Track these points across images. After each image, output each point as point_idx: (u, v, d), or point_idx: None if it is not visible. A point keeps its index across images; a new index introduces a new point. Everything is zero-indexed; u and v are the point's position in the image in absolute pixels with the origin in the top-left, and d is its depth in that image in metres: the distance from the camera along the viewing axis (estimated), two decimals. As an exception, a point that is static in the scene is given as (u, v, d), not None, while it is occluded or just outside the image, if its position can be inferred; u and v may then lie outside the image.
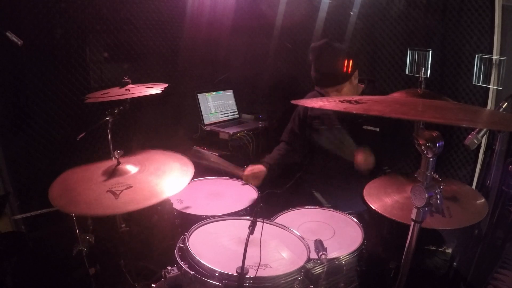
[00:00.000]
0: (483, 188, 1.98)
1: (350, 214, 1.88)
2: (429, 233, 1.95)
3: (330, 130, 2.28)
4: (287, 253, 1.50)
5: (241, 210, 1.86)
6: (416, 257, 1.27)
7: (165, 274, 1.43)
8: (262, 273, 1.34)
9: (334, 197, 2.20)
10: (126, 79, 1.99)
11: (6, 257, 2.09)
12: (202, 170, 2.15)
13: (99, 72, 2.73)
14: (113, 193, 1.50)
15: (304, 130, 2.40)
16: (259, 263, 1.33)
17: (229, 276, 1.30)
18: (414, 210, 1.20)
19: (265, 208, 1.38)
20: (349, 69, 2.12)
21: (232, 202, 1.96)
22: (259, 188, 2.16)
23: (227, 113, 3.47)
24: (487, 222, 1.87)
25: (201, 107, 3.24)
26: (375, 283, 1.82)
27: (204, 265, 1.35)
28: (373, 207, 1.57)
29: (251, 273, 1.31)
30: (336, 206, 2.00)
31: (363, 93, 2.22)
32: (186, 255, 1.45)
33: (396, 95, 2.01)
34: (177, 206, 1.89)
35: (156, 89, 1.93)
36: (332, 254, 1.47)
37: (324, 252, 1.41)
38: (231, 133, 3.02)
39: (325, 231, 1.73)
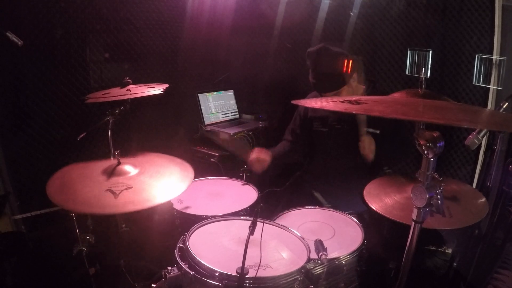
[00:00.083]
0: (484, 188, 1.98)
1: (350, 214, 1.88)
2: (429, 233, 1.95)
3: (330, 131, 2.28)
4: (287, 253, 1.50)
5: (241, 210, 1.86)
6: (416, 257, 1.27)
7: (165, 274, 1.43)
8: (262, 273, 1.34)
9: (334, 197, 2.20)
10: (127, 79, 1.99)
11: (6, 257, 2.09)
12: (202, 170, 2.15)
13: (99, 72, 2.73)
14: (113, 192, 1.50)
15: (304, 130, 2.40)
16: (259, 263, 1.33)
17: (229, 276, 1.30)
18: (415, 211, 1.20)
19: (265, 208, 1.38)
20: (347, 73, 2.12)
21: (232, 202, 1.96)
22: (259, 187, 2.16)
23: (228, 113, 3.47)
24: (487, 222, 1.87)
25: (202, 107, 3.24)
26: (375, 283, 1.82)
27: (204, 265, 1.35)
28: (373, 208, 1.57)
29: (251, 273, 1.30)
30: (336, 206, 2.00)
31: (363, 94, 2.22)
32: (186, 255, 1.45)
33: (396, 95, 2.01)
34: (177, 206, 1.89)
35: (157, 90, 1.93)
36: (332, 254, 1.47)
37: (324, 252, 1.41)
38: (232, 133, 3.02)
39: (325, 231, 1.73)
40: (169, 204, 1.85)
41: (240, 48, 3.50)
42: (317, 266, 1.38)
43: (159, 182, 1.60)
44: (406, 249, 1.26)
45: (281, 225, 1.70)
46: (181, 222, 1.84)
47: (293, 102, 1.34)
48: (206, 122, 3.24)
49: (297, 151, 2.46)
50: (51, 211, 2.38)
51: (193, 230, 1.61)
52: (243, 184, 2.19)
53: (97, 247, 1.90)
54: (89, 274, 1.91)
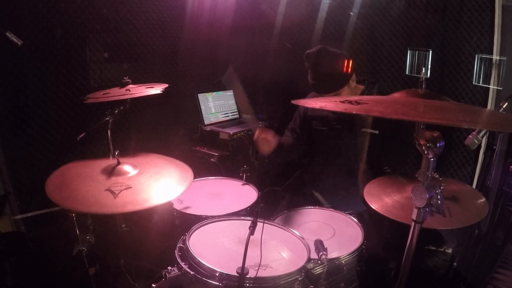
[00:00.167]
0: (484, 188, 1.98)
1: (350, 214, 1.88)
2: (429, 233, 1.95)
3: (329, 130, 2.28)
4: (287, 253, 1.50)
5: (241, 210, 1.86)
6: (416, 257, 1.27)
7: (165, 274, 1.43)
8: (262, 273, 1.34)
9: (334, 197, 2.20)
10: (127, 79, 1.99)
11: (6, 257, 2.09)
12: (202, 170, 2.15)
13: (99, 72, 2.73)
14: (112, 192, 1.50)
15: (304, 129, 2.41)
16: (260, 263, 1.33)
17: (229, 276, 1.30)
18: (415, 211, 1.20)
19: (265, 208, 1.38)
20: (346, 74, 2.12)
21: (232, 202, 1.96)
22: (259, 187, 2.16)
23: (227, 113, 3.47)
24: (487, 222, 1.87)
25: (201, 107, 3.24)
26: (375, 283, 1.82)
27: (204, 265, 1.35)
28: (373, 207, 1.57)
29: (251, 273, 1.30)
30: (336, 206, 2.00)
31: (362, 94, 2.22)
32: (186, 255, 1.45)
33: (396, 95, 2.02)
34: (177, 206, 1.89)
35: (156, 89, 1.93)
36: (332, 254, 1.47)
37: (324, 252, 1.41)
38: (231, 133, 3.02)
39: (325, 231, 1.73)
40: (169, 204, 1.85)
41: (240, 48, 3.50)
42: (317, 266, 1.38)
43: (158, 183, 1.61)
44: (406, 249, 1.26)
45: (281, 225, 1.70)
46: (181, 222, 1.84)
47: (293, 102, 1.34)
48: (206, 122, 3.24)
49: (297, 150, 2.46)
50: (51, 211, 2.38)
51: (193, 230, 1.61)
52: (243, 184, 2.20)
53: (97, 247, 1.90)
54: (89, 274, 1.91)
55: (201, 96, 3.25)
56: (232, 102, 3.54)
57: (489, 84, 2.59)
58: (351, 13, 3.01)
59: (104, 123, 1.90)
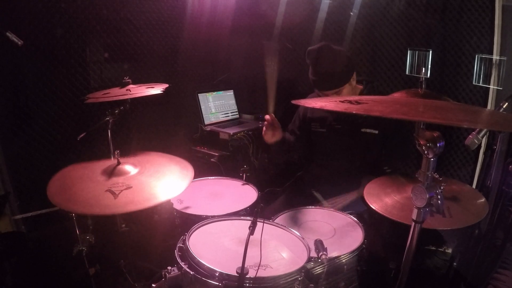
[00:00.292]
0: (483, 188, 1.98)
1: (350, 214, 1.88)
2: (429, 233, 1.95)
3: (328, 132, 2.28)
4: (287, 253, 1.50)
5: (241, 210, 1.86)
6: (416, 257, 1.27)
7: (165, 274, 1.43)
8: (262, 273, 1.34)
9: (334, 197, 2.19)
10: (127, 79, 1.99)
11: (6, 257, 2.09)
12: (202, 170, 2.15)
13: (99, 72, 2.73)
14: (112, 193, 1.50)
15: (303, 131, 2.40)
16: (259, 263, 1.33)
17: (229, 276, 1.30)
18: (415, 211, 1.20)
19: (265, 208, 1.38)
20: (349, 71, 2.12)
21: (232, 202, 1.96)
22: (259, 187, 2.16)
23: (228, 113, 3.47)
24: (487, 222, 1.87)
25: (202, 107, 3.24)
26: (375, 283, 1.82)
27: (204, 265, 1.35)
28: (373, 207, 1.57)
29: (251, 273, 1.30)
30: (336, 206, 2.00)
31: (361, 94, 2.22)
32: (186, 255, 1.45)
33: (396, 95, 2.02)
34: (177, 206, 1.89)
35: (157, 89, 1.93)
36: (332, 254, 1.47)
37: (324, 252, 1.41)
38: (232, 133, 3.02)
39: (325, 231, 1.73)
40: (169, 204, 1.85)
41: (240, 48, 3.50)
42: (317, 266, 1.38)
43: (158, 181, 1.61)
44: (406, 249, 1.26)
45: (281, 225, 1.70)
46: (181, 222, 1.84)
47: (293, 102, 1.34)
48: (206, 122, 3.24)
49: (296, 151, 2.46)
50: (51, 211, 2.38)
51: (193, 230, 1.61)
52: (243, 184, 2.19)
53: (97, 247, 1.90)
54: (89, 274, 1.91)
55: (201, 96, 3.25)
56: (232, 102, 3.54)
57: (489, 84, 2.59)
58: (351, 13, 3.01)
59: (104, 123, 1.90)
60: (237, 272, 1.27)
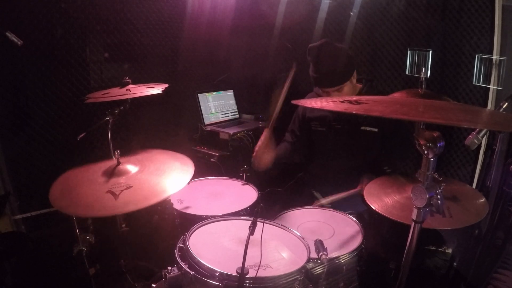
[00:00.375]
0: (483, 188, 1.98)
1: (350, 214, 1.88)
2: (429, 233, 1.95)
3: (328, 131, 2.28)
4: (287, 253, 1.50)
5: (241, 210, 1.86)
6: (416, 257, 1.27)
7: (165, 274, 1.43)
8: (262, 273, 1.34)
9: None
10: (127, 79, 1.99)
11: (6, 257, 2.09)
12: (202, 170, 2.15)
13: (99, 72, 2.73)
14: (113, 193, 1.50)
15: (304, 131, 2.40)
16: (259, 263, 1.33)
17: (229, 276, 1.30)
18: (415, 211, 1.20)
19: (265, 208, 1.38)
20: (350, 69, 2.11)
21: (232, 202, 1.96)
22: (259, 187, 2.16)
23: (227, 113, 3.47)
24: (487, 222, 1.87)
25: (202, 107, 3.24)
26: (375, 283, 1.82)
27: (204, 265, 1.35)
28: (373, 207, 1.57)
29: (251, 273, 1.30)
30: (336, 206, 2.00)
31: (360, 92, 2.22)
32: (186, 255, 1.45)
33: (396, 95, 2.02)
34: (177, 206, 1.89)
35: (156, 89, 1.93)
36: (332, 254, 1.47)
37: (324, 252, 1.41)
38: (231, 133, 3.02)
39: (325, 231, 1.73)
40: (169, 204, 1.85)
41: (240, 48, 3.50)
42: (317, 266, 1.38)
43: (158, 179, 1.60)
44: (406, 249, 1.26)
45: (281, 225, 1.70)
46: (181, 222, 1.84)
47: (293, 102, 1.34)
48: (206, 122, 3.24)
49: (297, 152, 2.46)
50: (51, 211, 2.38)
51: (193, 230, 1.61)
52: (243, 184, 2.19)
53: (97, 247, 1.90)
54: (89, 274, 1.91)
55: (201, 96, 3.25)
56: (232, 102, 3.54)
57: (489, 84, 2.59)
58: (351, 13, 3.01)
59: (104, 123, 1.90)
60: (237, 272, 1.27)
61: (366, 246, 1.61)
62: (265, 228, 1.39)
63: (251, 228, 1.27)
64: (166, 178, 1.62)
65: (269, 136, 2.20)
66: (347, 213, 1.89)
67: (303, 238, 1.58)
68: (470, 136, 1.65)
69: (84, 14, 2.55)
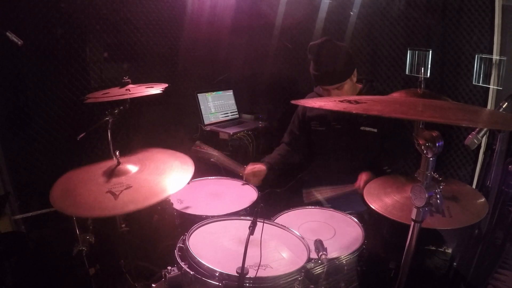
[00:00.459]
0: (483, 188, 1.98)
1: (350, 214, 1.88)
2: (429, 233, 1.95)
3: (328, 131, 2.28)
4: (287, 253, 1.50)
5: (241, 210, 1.86)
6: (416, 257, 1.27)
7: (165, 274, 1.43)
8: (262, 273, 1.34)
9: (334, 197, 2.19)
10: (126, 79, 1.99)
11: (6, 257, 2.09)
12: (202, 170, 2.15)
13: (99, 72, 2.73)
14: (113, 193, 1.50)
15: (303, 131, 2.40)
16: (259, 263, 1.33)
17: (229, 276, 1.30)
18: (414, 210, 1.20)
19: (265, 208, 1.38)
20: (350, 67, 2.12)
21: (232, 202, 1.96)
22: (259, 187, 2.16)
23: (227, 113, 3.47)
24: (487, 222, 1.87)
25: (201, 107, 3.24)
26: (375, 283, 1.82)
27: (204, 265, 1.35)
28: (373, 207, 1.57)
29: (251, 273, 1.30)
30: (336, 206, 2.00)
31: (360, 93, 2.22)
32: (186, 255, 1.45)
33: (395, 95, 2.01)
34: (177, 206, 1.89)
35: (156, 89, 1.93)
36: (332, 254, 1.47)
37: (324, 252, 1.41)
38: (231, 133, 3.03)
39: (325, 231, 1.73)
40: (169, 204, 1.85)
41: (240, 48, 3.50)
42: (317, 266, 1.38)
43: (158, 179, 1.60)
44: (405, 249, 1.26)
45: (281, 225, 1.70)
46: (181, 222, 1.84)
47: (293, 102, 1.34)
48: (206, 122, 3.24)
49: (296, 152, 2.45)
50: (51, 211, 2.38)
51: (193, 230, 1.61)
52: (243, 184, 2.20)
53: (97, 247, 1.90)
54: (89, 274, 1.91)
55: (201, 96, 3.25)
56: (232, 102, 3.54)
57: (489, 84, 2.59)
58: (351, 13, 3.01)
59: (104, 123, 1.90)
60: (237, 272, 1.27)
61: (366, 246, 1.61)
62: (265, 228, 1.39)
63: (251, 228, 1.27)
64: (166, 177, 1.62)
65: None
66: (347, 213, 1.89)
67: (303, 238, 1.58)
68: (470, 136, 1.65)
69: (84, 14, 2.55)
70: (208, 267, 1.34)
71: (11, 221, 2.32)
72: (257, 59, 3.53)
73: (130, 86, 1.98)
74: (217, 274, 1.32)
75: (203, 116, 3.24)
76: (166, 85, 2.02)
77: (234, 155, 2.99)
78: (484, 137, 1.73)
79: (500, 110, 1.67)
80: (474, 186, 2.68)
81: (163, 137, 3.11)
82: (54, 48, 2.46)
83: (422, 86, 2.00)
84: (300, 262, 1.41)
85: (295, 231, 1.64)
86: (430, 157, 1.15)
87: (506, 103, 1.67)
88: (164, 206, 1.83)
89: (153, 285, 1.58)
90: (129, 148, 1.87)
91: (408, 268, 1.28)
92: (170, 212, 1.85)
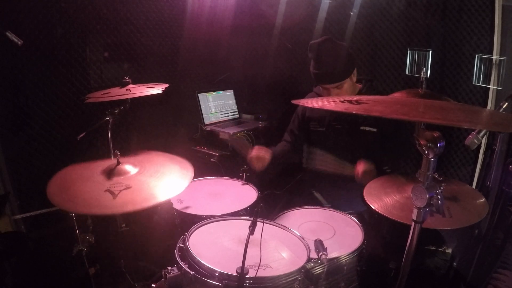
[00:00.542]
0: (483, 188, 1.98)
1: (350, 214, 1.88)
2: (429, 233, 1.95)
3: (327, 131, 2.28)
4: (287, 253, 1.50)
5: (241, 210, 1.86)
6: (416, 257, 1.27)
7: (165, 274, 1.43)
8: (262, 273, 1.34)
9: (334, 197, 2.20)
10: (127, 79, 1.99)
11: (6, 257, 2.09)
12: (202, 170, 2.15)
13: (99, 72, 2.73)
14: (111, 192, 1.50)
15: (303, 131, 2.40)
16: (259, 263, 1.33)
17: (229, 276, 1.30)
18: (415, 211, 1.20)
19: (265, 208, 1.38)
20: (350, 66, 2.12)
21: (232, 202, 1.96)
22: (259, 188, 2.16)
23: (228, 113, 3.47)
24: (487, 222, 1.87)
25: (202, 107, 3.24)
26: (375, 283, 1.82)
27: (204, 265, 1.35)
28: (373, 207, 1.57)
29: (251, 273, 1.30)
30: (336, 206, 2.00)
31: (359, 92, 2.22)
32: (186, 255, 1.45)
33: (396, 95, 2.01)
34: (177, 206, 1.89)
35: (156, 89, 1.93)
36: (332, 254, 1.47)
37: (324, 252, 1.41)
38: (231, 133, 3.02)
39: (325, 231, 1.73)
40: (169, 204, 1.85)
41: (240, 48, 3.50)
42: (317, 266, 1.38)
43: (158, 182, 1.60)
44: (406, 249, 1.26)
45: (281, 225, 1.70)
46: (181, 222, 1.84)
47: (293, 102, 1.34)
48: (206, 122, 3.24)
49: (296, 151, 2.46)
50: (51, 211, 2.38)
51: (193, 230, 1.61)
52: (243, 184, 2.20)
53: (97, 247, 1.90)
54: (89, 274, 1.91)
55: (201, 96, 3.25)
56: (232, 102, 3.54)
57: (489, 84, 2.59)
58: (351, 13, 3.01)
59: (104, 123, 1.90)
60: (237, 272, 1.27)
61: (366, 246, 1.61)
62: (265, 228, 1.39)
63: (251, 228, 1.27)
64: (165, 181, 1.62)
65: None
66: (347, 213, 1.89)
67: (303, 238, 1.58)
68: (470, 136, 1.65)
69: (84, 14, 2.55)
70: (208, 267, 1.34)
71: (11, 221, 2.32)
72: (257, 59, 3.53)
73: (131, 86, 1.98)
74: (217, 274, 1.32)
75: (203, 116, 3.24)
76: (167, 85, 2.02)
77: (234, 155, 2.99)
78: (484, 137, 1.73)
79: (500, 110, 1.67)
80: (474, 186, 2.68)
81: (163, 137, 3.11)
82: (54, 48, 2.46)
83: (424, 86, 2.00)
84: (300, 262, 1.41)
85: (295, 231, 1.64)
86: (431, 158, 1.15)
87: (506, 103, 1.67)
88: (164, 206, 1.83)
89: (153, 285, 1.58)
90: (129, 148, 1.87)
91: (408, 268, 1.28)
92: (170, 212, 1.85)
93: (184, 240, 1.51)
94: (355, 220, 1.80)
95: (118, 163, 1.67)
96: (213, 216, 1.74)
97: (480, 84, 2.63)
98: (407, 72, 2.89)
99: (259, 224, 1.34)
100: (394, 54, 2.95)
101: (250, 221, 1.29)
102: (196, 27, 3.21)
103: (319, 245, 1.44)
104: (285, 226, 1.68)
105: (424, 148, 1.14)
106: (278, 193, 2.47)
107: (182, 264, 1.43)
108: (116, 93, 1.90)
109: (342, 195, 2.17)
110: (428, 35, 2.79)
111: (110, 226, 1.95)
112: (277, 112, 3.42)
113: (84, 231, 1.87)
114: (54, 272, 2.17)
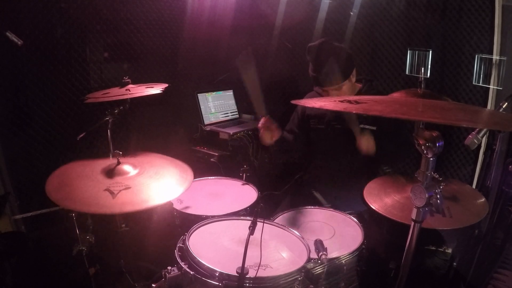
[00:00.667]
0: (483, 188, 1.98)
1: (350, 214, 1.88)
2: (429, 233, 1.95)
3: (327, 129, 2.28)
4: (287, 253, 1.50)
5: (241, 210, 1.86)
6: (416, 257, 1.27)
7: (165, 274, 1.43)
8: (262, 273, 1.34)
9: (334, 197, 2.19)
10: (126, 79, 1.99)
11: (6, 257, 2.09)
12: (202, 170, 2.15)
13: (99, 72, 2.73)
14: (111, 192, 1.50)
15: (303, 129, 2.41)
16: (259, 263, 1.33)
17: (229, 276, 1.30)
18: (414, 210, 1.20)
19: (265, 209, 1.38)
20: (349, 67, 2.12)
21: (232, 202, 1.96)
22: (259, 188, 2.16)
23: (227, 113, 3.47)
24: (487, 222, 1.87)
25: (201, 107, 3.24)
26: (375, 283, 1.82)
27: (204, 265, 1.35)
28: (373, 207, 1.57)
29: (251, 273, 1.31)
30: (336, 206, 2.00)
31: (359, 92, 2.22)
32: (186, 255, 1.45)
33: (396, 95, 2.02)
34: (177, 206, 1.89)
35: (156, 89, 1.93)
36: (332, 254, 1.47)
37: (324, 252, 1.41)
38: (231, 133, 3.02)
39: (325, 231, 1.73)
40: (169, 204, 1.85)
41: (240, 48, 3.50)
42: (317, 266, 1.38)
43: (157, 183, 1.60)
44: (406, 249, 1.26)
45: (281, 225, 1.70)
46: (181, 222, 1.84)
47: (293, 102, 1.34)
48: (206, 122, 3.24)
49: (296, 150, 2.46)
50: (51, 211, 2.38)
51: (193, 230, 1.61)
52: (243, 184, 2.20)
53: (97, 247, 1.90)
54: (89, 274, 1.91)
55: (201, 96, 3.25)
56: (232, 102, 3.54)
57: (489, 84, 2.59)
58: (351, 13, 3.01)
59: (104, 123, 1.90)
60: (237, 272, 1.27)
61: (366, 246, 1.61)
62: (265, 228, 1.40)
63: (251, 228, 1.27)
64: (165, 183, 1.61)
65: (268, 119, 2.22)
66: (347, 213, 1.89)
67: (303, 238, 1.58)
68: (470, 136, 1.65)
69: (84, 14, 2.55)
70: (208, 267, 1.34)
71: (11, 221, 2.32)
72: (257, 59, 3.52)
73: (130, 86, 1.98)
74: (217, 274, 1.32)
75: (203, 116, 3.24)
76: (166, 85, 2.02)
77: (234, 155, 2.99)
78: (484, 137, 1.73)
79: (500, 110, 1.67)
80: (474, 186, 2.67)
81: (163, 137, 3.11)
82: (54, 48, 2.46)
83: (423, 86, 2.00)
84: (300, 262, 1.42)
85: (295, 231, 1.64)
86: (430, 157, 1.15)
87: (506, 103, 1.67)
88: (164, 206, 1.83)
89: (153, 285, 1.58)
90: (129, 148, 1.87)
91: (408, 268, 1.28)
92: (170, 212, 1.85)
93: (184, 240, 1.51)
94: (355, 220, 1.80)
95: (118, 163, 1.67)
96: (213, 216, 1.74)
97: (480, 84, 2.63)
98: (407, 72, 2.89)
99: (259, 224, 1.34)
100: (394, 54, 2.95)
101: (250, 221, 1.29)
102: (196, 27, 3.21)
103: (319, 245, 1.44)
104: (285, 226, 1.68)
105: (423, 147, 1.14)
106: (278, 193, 2.47)
107: (182, 264, 1.43)
108: (116, 93, 1.90)
109: (342, 195, 2.17)
110: (428, 35, 2.79)
111: (110, 226, 1.95)
112: (277, 112, 3.41)
113: (84, 231, 1.87)
114: (54, 272, 2.17)
